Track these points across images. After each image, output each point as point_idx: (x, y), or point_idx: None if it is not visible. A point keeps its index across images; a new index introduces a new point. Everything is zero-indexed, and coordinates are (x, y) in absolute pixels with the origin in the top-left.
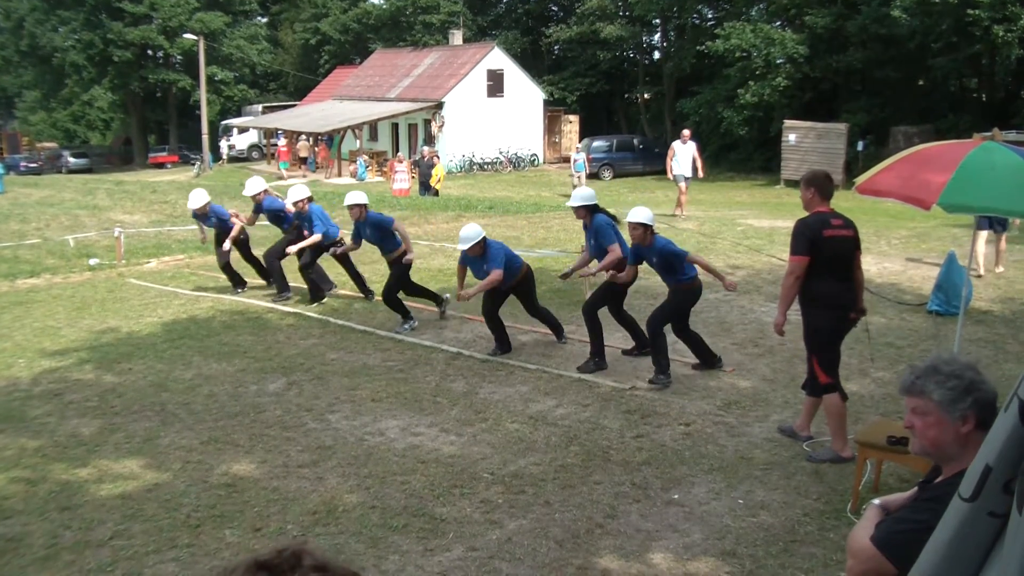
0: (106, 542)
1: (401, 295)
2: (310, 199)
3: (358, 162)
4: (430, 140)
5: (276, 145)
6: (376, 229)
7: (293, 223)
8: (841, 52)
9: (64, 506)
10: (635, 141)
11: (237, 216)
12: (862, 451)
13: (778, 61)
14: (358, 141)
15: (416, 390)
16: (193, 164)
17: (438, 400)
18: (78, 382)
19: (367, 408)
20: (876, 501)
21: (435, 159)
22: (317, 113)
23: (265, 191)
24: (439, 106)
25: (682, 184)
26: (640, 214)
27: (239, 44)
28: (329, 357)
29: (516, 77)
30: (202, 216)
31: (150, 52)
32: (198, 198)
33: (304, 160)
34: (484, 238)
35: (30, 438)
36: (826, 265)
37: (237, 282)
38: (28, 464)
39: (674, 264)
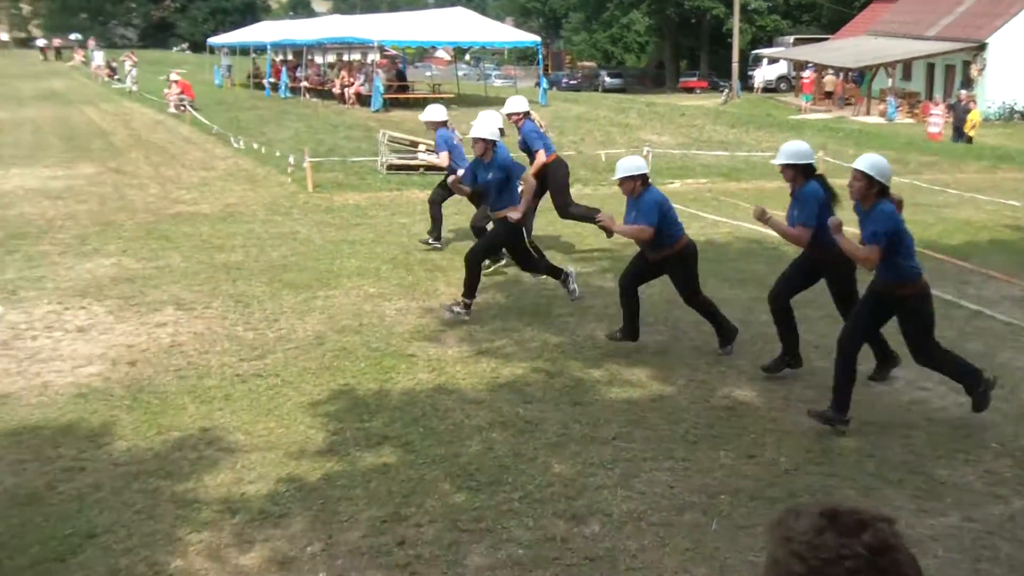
0: (609, 441)
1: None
2: (526, 114)
3: (888, 101)
4: (968, 83)
5: (801, 77)
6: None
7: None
8: None
9: (576, 401)
10: None
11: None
12: None
13: None
14: (890, 80)
15: None
16: (722, 91)
17: None
18: (599, 289)
19: None
20: None
21: (971, 104)
22: (850, 48)
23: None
24: (981, 47)
25: None
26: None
27: None
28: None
29: None
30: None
31: None
32: (435, 112)
33: (829, 95)
34: (645, 176)
35: (553, 334)
36: None
37: (437, 235)
38: (549, 358)
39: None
